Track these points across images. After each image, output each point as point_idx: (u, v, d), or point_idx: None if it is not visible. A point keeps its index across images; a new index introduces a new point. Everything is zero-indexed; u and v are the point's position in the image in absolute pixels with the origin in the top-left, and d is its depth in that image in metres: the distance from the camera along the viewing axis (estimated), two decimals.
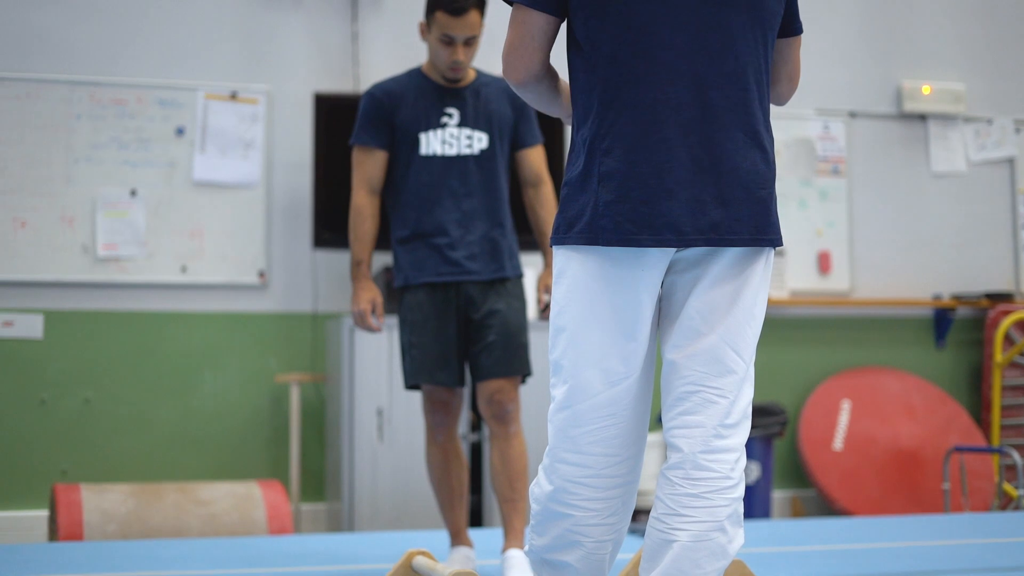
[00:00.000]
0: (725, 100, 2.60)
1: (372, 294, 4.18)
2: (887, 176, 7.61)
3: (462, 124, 4.15)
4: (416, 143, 4.14)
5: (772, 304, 7.23)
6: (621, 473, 2.64)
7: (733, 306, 2.63)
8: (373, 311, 4.18)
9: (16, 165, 6.40)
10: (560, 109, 2.79)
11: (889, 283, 7.56)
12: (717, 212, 2.59)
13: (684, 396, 2.62)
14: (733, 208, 2.61)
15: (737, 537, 2.59)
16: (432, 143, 4.13)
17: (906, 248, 7.61)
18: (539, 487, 2.67)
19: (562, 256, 2.65)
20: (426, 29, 4.16)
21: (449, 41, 4.08)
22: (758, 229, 2.64)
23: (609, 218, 2.57)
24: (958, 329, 7.65)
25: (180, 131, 6.60)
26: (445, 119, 4.15)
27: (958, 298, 7.54)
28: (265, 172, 6.68)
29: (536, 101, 2.77)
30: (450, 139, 4.14)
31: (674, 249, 2.61)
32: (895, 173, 7.62)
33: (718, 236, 2.59)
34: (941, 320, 7.60)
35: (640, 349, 2.63)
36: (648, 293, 2.62)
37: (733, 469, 2.59)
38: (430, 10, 4.13)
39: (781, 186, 7.34)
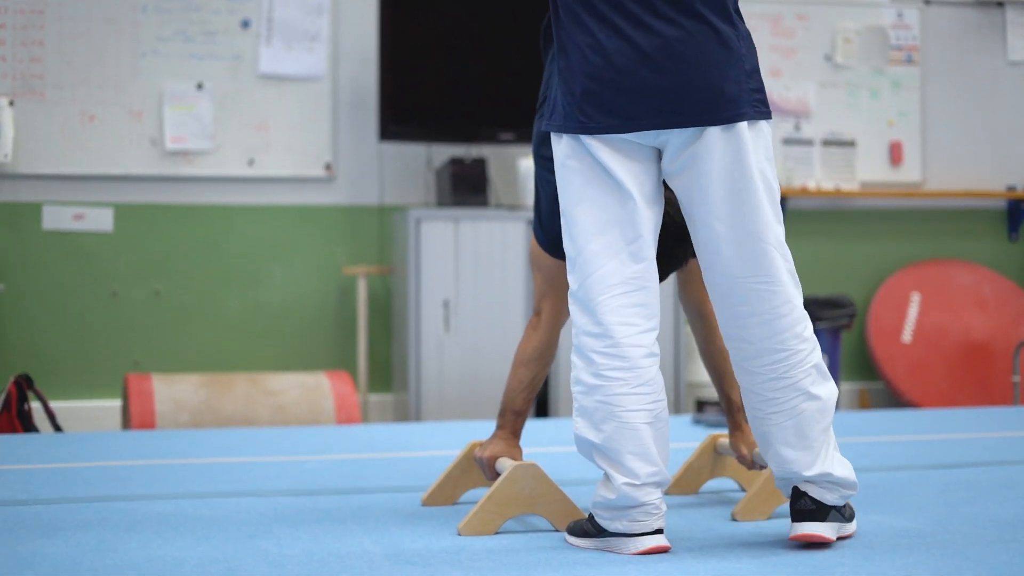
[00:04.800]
0: None
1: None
2: (962, 65, 7.46)
3: None
4: None
5: (842, 195, 7.16)
6: (644, 343, 2.75)
7: (736, 199, 2.70)
8: None
9: (83, 59, 6.42)
10: None
11: (962, 174, 7.45)
12: (660, 98, 2.67)
13: (727, 292, 2.75)
14: (677, 92, 2.67)
15: (826, 394, 2.77)
16: None
17: (980, 138, 7.48)
18: (574, 369, 2.80)
19: (552, 140, 2.83)
20: None
21: None
22: (709, 108, 2.68)
23: (570, 107, 2.73)
24: None
25: (246, 23, 6.58)
26: None
27: None
28: (331, 64, 6.66)
29: None
30: None
31: (638, 136, 2.72)
32: (970, 62, 7.47)
33: (663, 120, 2.69)
34: (1014, 211, 7.48)
35: (634, 222, 2.74)
36: (625, 170, 2.73)
37: (803, 340, 2.74)
38: None
39: (853, 75, 7.23)
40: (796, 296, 2.76)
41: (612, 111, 2.69)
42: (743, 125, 2.70)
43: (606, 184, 2.73)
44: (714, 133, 2.68)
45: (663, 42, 2.66)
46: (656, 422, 2.75)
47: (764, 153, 2.73)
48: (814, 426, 2.75)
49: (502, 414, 3.26)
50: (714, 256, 2.74)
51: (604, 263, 2.73)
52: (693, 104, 2.67)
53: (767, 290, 2.72)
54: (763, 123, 2.74)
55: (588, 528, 2.85)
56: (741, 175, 2.70)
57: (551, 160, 3.17)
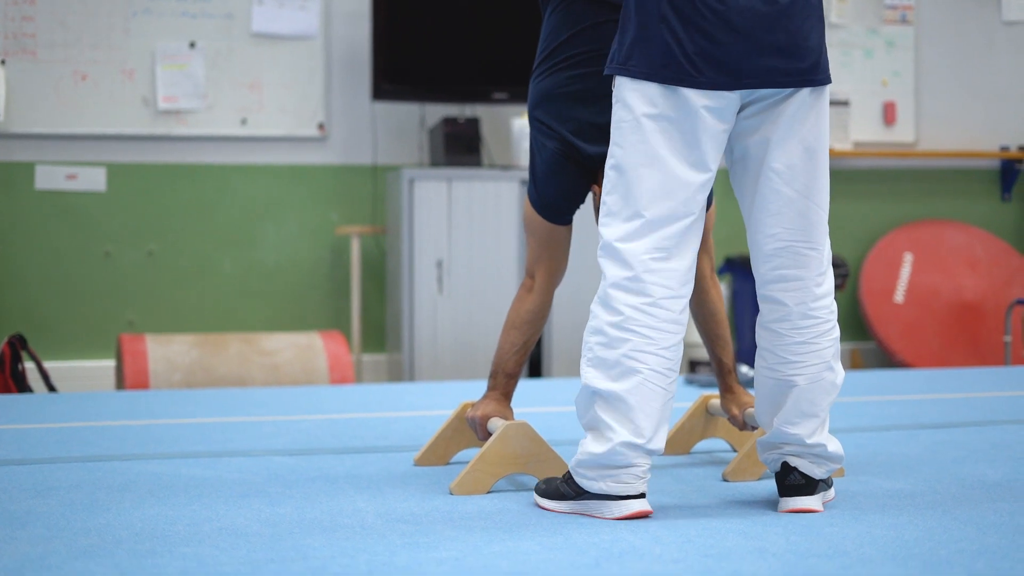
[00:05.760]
0: None
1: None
2: (956, 24, 7.44)
3: None
4: None
5: (835, 155, 7.15)
6: (677, 309, 2.72)
7: (808, 159, 2.74)
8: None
9: (75, 18, 6.39)
10: None
11: (955, 134, 7.44)
12: (772, 57, 2.67)
13: (775, 253, 2.78)
14: (787, 52, 2.68)
15: (840, 371, 2.84)
16: None
17: (974, 98, 7.47)
18: (595, 319, 2.73)
19: (620, 89, 2.72)
20: None
21: None
22: (811, 70, 2.72)
23: (674, 57, 2.66)
24: None
25: None
26: None
27: None
28: (324, 23, 6.64)
29: None
30: None
31: (738, 95, 2.69)
32: (965, 21, 7.45)
33: (773, 79, 2.68)
34: (1008, 172, 7.48)
35: (700, 190, 2.71)
36: (709, 135, 2.69)
37: (832, 312, 2.82)
38: None
39: (846, 35, 7.22)
40: (831, 267, 2.82)
41: (724, 68, 2.65)
42: (826, 88, 2.76)
43: (685, 147, 2.68)
44: (804, 94, 2.72)
45: (777, 3, 2.66)
46: (668, 393, 2.72)
47: (828, 117, 2.78)
48: (825, 397, 2.80)
49: (494, 375, 3.26)
50: (773, 217, 2.75)
51: (656, 229, 2.69)
52: (799, 64, 2.69)
53: (815, 256, 2.77)
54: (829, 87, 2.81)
55: (565, 490, 2.79)
56: (816, 137, 2.74)
57: (547, 124, 3.14)
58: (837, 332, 2.83)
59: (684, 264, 2.73)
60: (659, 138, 2.68)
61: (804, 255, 2.77)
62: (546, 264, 3.24)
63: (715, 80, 2.66)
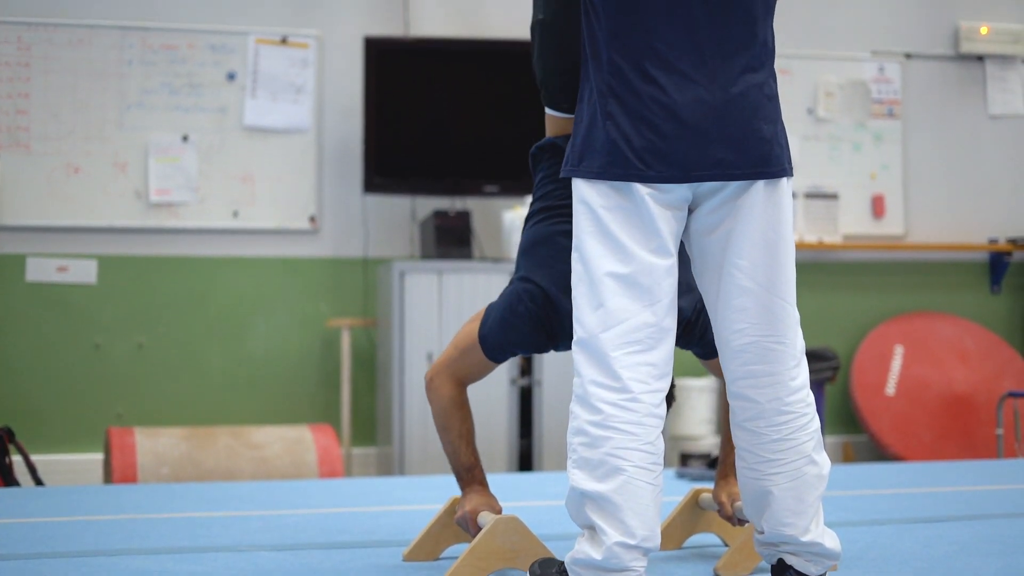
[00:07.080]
0: (726, 42, 2.66)
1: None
2: (943, 118, 7.51)
3: None
4: None
5: (825, 248, 7.18)
6: (654, 402, 2.69)
7: (770, 254, 2.70)
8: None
9: (68, 111, 6.43)
10: None
11: (944, 227, 7.48)
12: (722, 149, 2.65)
13: (743, 348, 2.73)
14: (737, 144, 2.66)
15: (824, 462, 2.77)
16: None
17: (962, 191, 7.52)
18: (576, 420, 2.70)
19: (576, 188, 2.73)
20: None
21: None
22: (763, 162, 2.69)
23: (621, 153, 2.65)
24: (1014, 273, 7.57)
25: (231, 76, 6.60)
26: None
27: (1014, 242, 7.45)
28: (316, 117, 6.69)
29: None
30: None
31: (687, 186, 2.68)
32: (951, 115, 7.52)
33: (723, 172, 2.66)
34: (997, 264, 7.51)
35: (667, 275, 2.69)
36: (663, 221, 2.68)
37: (808, 405, 2.75)
38: None
39: (834, 129, 7.28)
40: (804, 360, 2.76)
41: (673, 162, 2.64)
42: (784, 180, 2.72)
43: (644, 235, 2.67)
44: (759, 187, 2.68)
45: (726, 94, 2.65)
46: (656, 487, 2.68)
47: (791, 210, 2.75)
48: (812, 492, 2.74)
49: (458, 475, 3.24)
50: (737, 313, 2.71)
51: (625, 319, 2.67)
52: (750, 157, 2.67)
53: (783, 351, 2.72)
54: (790, 180, 2.77)
55: None
56: (776, 231, 2.70)
57: (530, 278, 3.14)
58: (816, 423, 2.76)
59: (660, 357, 2.69)
60: (617, 228, 2.68)
61: (772, 350, 2.71)
62: (454, 372, 3.23)
63: (664, 174, 2.65)
